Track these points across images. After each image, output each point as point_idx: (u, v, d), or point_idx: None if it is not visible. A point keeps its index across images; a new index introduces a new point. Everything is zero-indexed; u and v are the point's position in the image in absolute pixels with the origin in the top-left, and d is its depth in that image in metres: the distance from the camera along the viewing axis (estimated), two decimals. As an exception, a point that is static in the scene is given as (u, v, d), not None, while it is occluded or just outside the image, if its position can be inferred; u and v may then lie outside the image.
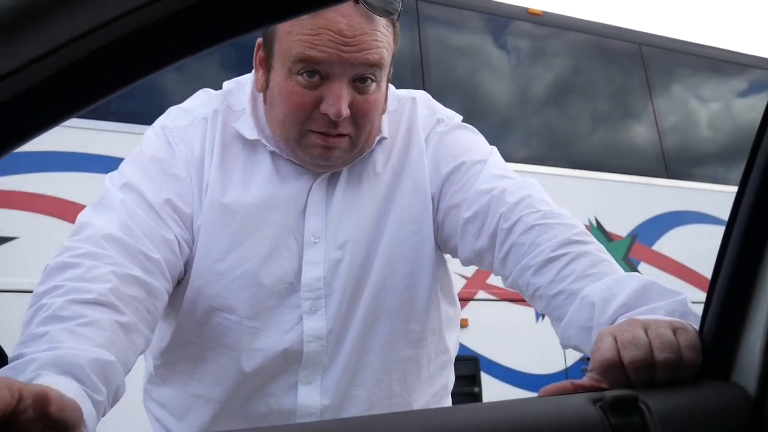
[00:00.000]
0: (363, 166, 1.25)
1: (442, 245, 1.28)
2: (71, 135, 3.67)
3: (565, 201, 1.28)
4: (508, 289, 1.21)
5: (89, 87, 0.52)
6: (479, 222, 1.20)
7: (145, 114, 3.69)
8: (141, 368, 1.20)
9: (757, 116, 0.79)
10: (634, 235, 5.38)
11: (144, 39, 0.50)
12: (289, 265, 1.21)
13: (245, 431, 0.70)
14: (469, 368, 4.47)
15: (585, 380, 0.83)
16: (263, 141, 1.22)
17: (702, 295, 0.84)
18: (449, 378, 1.41)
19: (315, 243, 1.22)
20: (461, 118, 1.35)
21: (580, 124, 5.77)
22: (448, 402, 1.42)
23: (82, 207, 1.16)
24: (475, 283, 4.54)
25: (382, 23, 1.14)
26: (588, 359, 0.87)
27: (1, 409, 0.68)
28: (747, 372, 0.77)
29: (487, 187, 1.20)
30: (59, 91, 0.52)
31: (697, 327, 0.84)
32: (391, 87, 1.33)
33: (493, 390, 4.52)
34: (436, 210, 1.26)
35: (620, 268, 1.09)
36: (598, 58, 5.85)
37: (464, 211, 1.21)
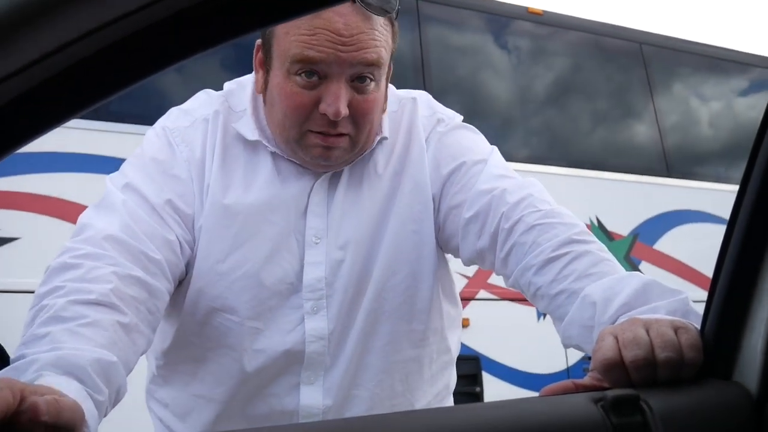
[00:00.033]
0: (364, 166, 1.25)
1: (444, 245, 1.28)
2: (72, 135, 3.68)
3: (566, 200, 1.28)
4: (510, 288, 1.21)
5: (91, 88, 0.52)
6: (480, 222, 1.20)
7: (147, 114, 3.70)
8: (142, 368, 1.20)
9: (758, 115, 0.79)
10: (635, 235, 5.38)
11: (145, 40, 0.50)
12: (290, 266, 1.21)
13: (248, 431, 0.70)
14: (471, 367, 4.47)
15: (586, 380, 0.83)
16: (264, 142, 1.22)
17: (703, 294, 0.84)
18: (451, 378, 1.41)
19: (316, 243, 1.22)
20: (462, 118, 1.35)
21: (581, 124, 5.77)
22: (450, 402, 1.42)
23: (83, 207, 1.16)
24: (477, 282, 4.54)
25: (379, 22, 1.14)
26: (589, 358, 0.87)
27: (3, 410, 0.68)
28: (748, 371, 0.77)
29: (488, 187, 1.21)
30: (61, 92, 0.52)
31: (698, 326, 0.84)
32: (392, 87, 1.33)
33: (494, 389, 4.52)
34: (437, 210, 1.26)
35: (621, 267, 1.09)
36: (598, 58, 5.85)
37: (465, 211, 1.21)
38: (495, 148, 1.31)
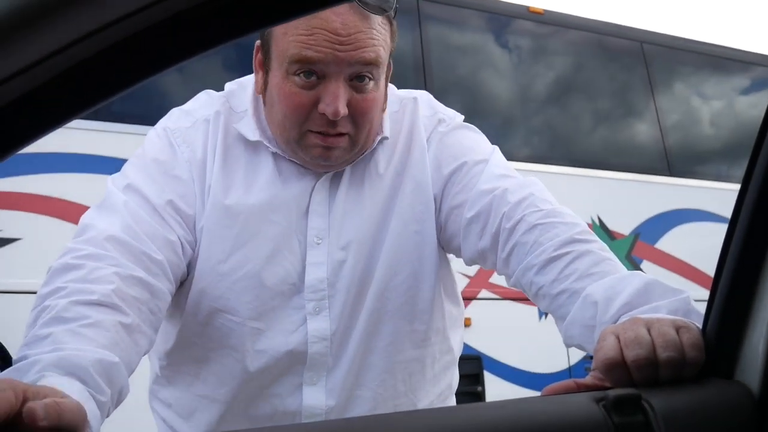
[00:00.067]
0: (365, 166, 1.25)
1: (445, 245, 1.28)
2: (74, 136, 3.68)
3: (568, 199, 1.28)
4: (511, 288, 1.21)
5: (92, 89, 0.52)
6: (482, 222, 1.20)
7: (148, 115, 3.70)
8: (144, 369, 1.20)
9: (760, 114, 0.79)
10: (636, 234, 5.38)
11: (147, 40, 0.51)
12: (292, 266, 1.21)
13: (251, 431, 0.70)
14: (472, 367, 4.47)
15: (588, 379, 0.83)
16: (265, 142, 1.22)
17: (705, 293, 0.84)
18: (454, 378, 1.41)
19: (318, 244, 1.22)
20: (463, 117, 1.35)
21: (582, 123, 5.76)
22: (452, 402, 1.42)
23: (85, 208, 1.16)
24: (478, 282, 4.54)
25: (377, 21, 1.14)
26: (591, 358, 0.87)
27: (6, 410, 0.68)
28: (750, 370, 0.77)
29: (489, 186, 1.20)
30: (62, 93, 0.52)
31: (700, 325, 0.84)
32: (393, 87, 1.33)
33: (496, 389, 4.52)
34: (438, 210, 1.26)
35: (623, 266, 1.09)
36: (599, 57, 5.85)
37: (467, 211, 1.21)
38: (496, 148, 1.31)
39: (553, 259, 1.10)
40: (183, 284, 1.21)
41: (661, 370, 0.79)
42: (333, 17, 1.09)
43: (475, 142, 1.31)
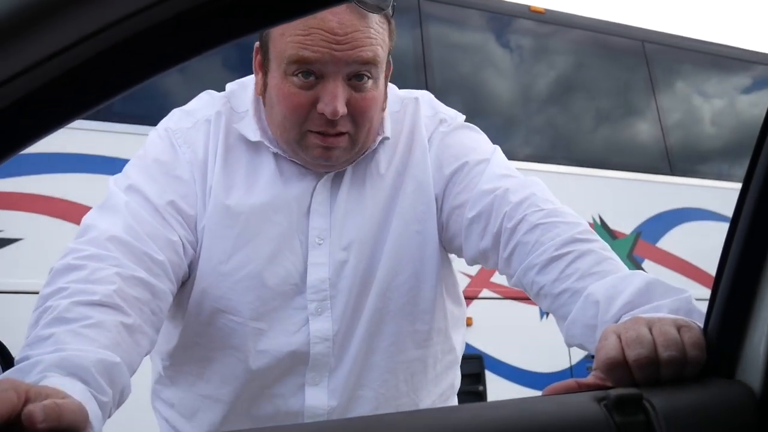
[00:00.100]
0: (366, 166, 1.25)
1: (447, 245, 1.28)
2: (75, 136, 3.68)
3: (569, 199, 1.28)
4: (513, 287, 1.21)
5: (94, 89, 0.52)
6: (483, 222, 1.20)
7: (149, 115, 3.70)
8: (145, 369, 1.20)
9: (761, 112, 0.79)
10: (638, 233, 5.38)
11: (148, 41, 0.51)
12: (293, 267, 1.21)
13: (253, 431, 0.70)
14: (474, 366, 4.47)
15: (589, 379, 0.83)
16: (266, 143, 1.22)
17: (706, 292, 0.84)
18: (456, 377, 1.41)
19: (319, 244, 1.22)
20: (464, 117, 1.35)
21: (584, 122, 5.76)
22: (454, 401, 1.42)
23: (86, 208, 1.16)
24: (480, 281, 4.54)
25: (375, 20, 1.13)
26: (592, 357, 0.87)
27: (8, 410, 0.68)
28: (751, 370, 0.77)
29: (491, 186, 1.20)
30: (64, 93, 0.52)
31: (701, 325, 0.84)
32: (394, 87, 1.33)
33: (497, 388, 4.52)
34: (440, 210, 1.26)
35: (624, 266, 1.09)
36: (600, 56, 5.85)
37: (468, 211, 1.21)
38: (497, 148, 1.31)
39: (554, 259, 1.10)
40: (185, 285, 1.21)
41: (662, 370, 0.79)
42: (330, 17, 1.09)
43: (477, 142, 1.31)
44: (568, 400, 0.77)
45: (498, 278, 4.16)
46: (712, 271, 0.82)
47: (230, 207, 1.19)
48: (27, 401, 0.70)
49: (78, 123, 0.62)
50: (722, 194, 5.53)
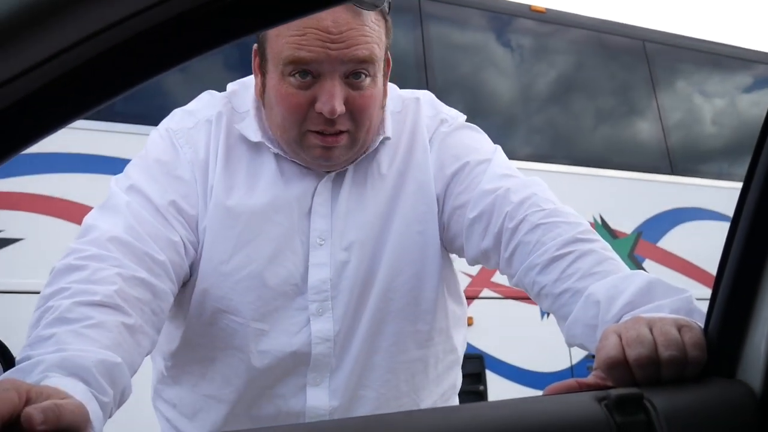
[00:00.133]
0: (368, 166, 1.25)
1: (448, 245, 1.28)
2: (76, 136, 3.68)
3: (570, 198, 1.28)
4: (514, 287, 1.21)
5: (95, 89, 0.52)
6: (484, 222, 1.20)
7: (150, 115, 3.70)
8: (146, 369, 1.20)
9: (762, 112, 0.79)
10: (638, 232, 5.38)
11: (149, 40, 0.51)
12: (294, 267, 1.21)
13: (255, 430, 0.70)
14: (475, 366, 4.47)
15: (590, 378, 0.83)
16: (267, 143, 1.22)
17: (707, 292, 0.84)
18: (457, 377, 1.41)
19: (321, 245, 1.22)
20: (465, 117, 1.35)
21: (584, 121, 5.76)
22: (455, 401, 1.42)
23: (87, 208, 1.16)
24: (480, 281, 4.54)
25: (370, 17, 1.13)
26: (593, 357, 0.87)
27: (9, 411, 0.68)
28: (752, 370, 0.77)
29: (492, 186, 1.20)
30: (65, 93, 0.52)
31: (702, 325, 0.84)
32: (395, 87, 1.33)
33: (498, 388, 4.52)
34: (441, 210, 1.26)
35: (626, 266, 1.09)
36: (601, 55, 5.84)
37: (469, 211, 1.21)
38: (498, 148, 1.31)
39: (555, 259, 1.10)
40: (186, 285, 1.21)
41: (663, 370, 0.79)
42: (324, 15, 1.09)
43: (478, 141, 1.31)
44: (568, 399, 0.77)
45: (499, 278, 4.16)
46: (713, 270, 0.82)
47: (231, 207, 1.19)
48: (28, 401, 0.70)
49: (79, 123, 0.62)
50: (723, 194, 5.52)
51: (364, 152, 1.24)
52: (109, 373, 0.88)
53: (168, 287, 1.10)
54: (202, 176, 1.20)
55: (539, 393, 0.85)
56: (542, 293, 1.11)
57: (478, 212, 1.20)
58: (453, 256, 1.33)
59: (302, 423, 1.20)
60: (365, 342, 1.24)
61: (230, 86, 1.30)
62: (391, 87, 1.32)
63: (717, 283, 0.81)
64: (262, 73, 1.19)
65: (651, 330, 0.81)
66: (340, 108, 1.12)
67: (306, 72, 1.12)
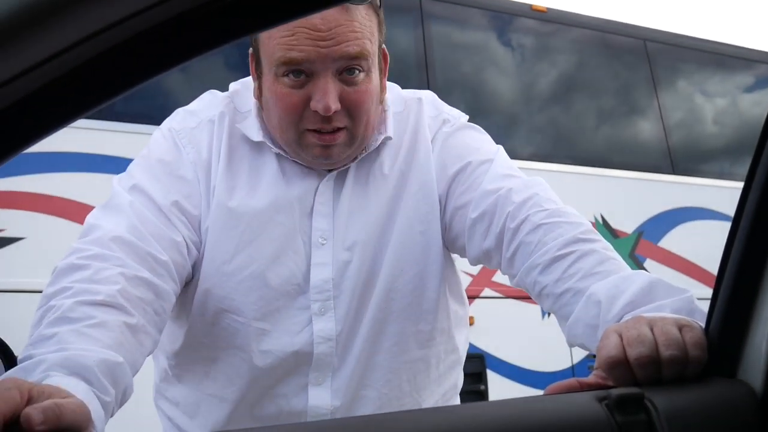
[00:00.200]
0: (370, 166, 1.25)
1: (450, 245, 1.28)
2: (77, 135, 3.68)
3: (571, 198, 1.28)
4: (515, 287, 1.21)
5: (95, 89, 0.52)
6: (486, 222, 1.20)
7: (151, 114, 3.71)
8: (146, 369, 1.20)
9: (763, 112, 0.79)
10: (640, 232, 5.37)
11: (150, 40, 0.51)
12: (296, 267, 1.21)
13: (256, 429, 0.70)
14: (475, 366, 4.47)
15: (591, 378, 0.83)
16: (268, 143, 1.22)
17: (709, 292, 0.84)
18: (459, 377, 1.41)
19: (323, 244, 1.22)
20: (467, 117, 1.35)
21: (586, 121, 5.76)
22: (457, 401, 1.42)
23: (89, 207, 1.16)
24: (481, 280, 4.54)
25: (360, 13, 1.13)
26: (594, 357, 0.87)
27: (11, 409, 0.68)
28: (753, 369, 0.77)
29: (494, 186, 1.20)
30: (65, 93, 0.52)
31: (703, 324, 0.84)
32: (397, 87, 1.33)
33: (498, 387, 4.52)
34: (443, 211, 1.26)
35: (627, 265, 1.09)
36: (602, 55, 5.84)
37: (471, 211, 1.21)
38: (500, 148, 1.31)
39: (557, 259, 1.10)
40: (189, 285, 1.21)
41: (663, 369, 0.79)
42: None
43: (480, 142, 1.31)
44: (569, 399, 0.77)
45: (500, 277, 4.16)
46: (714, 270, 0.82)
47: (233, 208, 1.19)
48: (30, 400, 0.71)
49: (80, 122, 0.62)
50: (724, 193, 5.52)
51: (364, 150, 1.24)
52: (111, 373, 0.88)
53: (170, 287, 1.10)
54: (204, 176, 1.21)
55: (540, 392, 0.85)
56: (543, 293, 1.11)
57: (480, 212, 1.20)
58: (455, 255, 1.33)
59: (304, 422, 1.20)
60: (367, 342, 1.24)
61: (232, 86, 1.30)
62: (393, 87, 1.32)
63: (718, 283, 0.81)
64: (258, 75, 1.20)
65: (652, 329, 0.81)
66: (334, 105, 1.12)
67: (299, 71, 1.12)
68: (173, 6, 0.49)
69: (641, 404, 0.73)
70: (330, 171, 1.23)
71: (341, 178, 1.24)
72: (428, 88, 1.41)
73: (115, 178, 1.20)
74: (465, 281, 1.44)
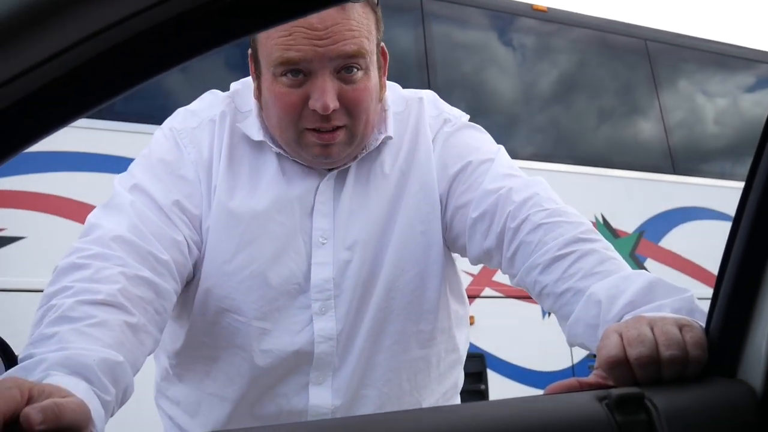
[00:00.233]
0: (370, 166, 1.25)
1: (451, 245, 1.28)
2: (78, 135, 3.69)
3: (572, 198, 1.28)
4: (515, 287, 1.21)
5: (96, 89, 0.52)
6: (487, 221, 1.20)
7: (151, 114, 3.71)
8: (147, 368, 1.20)
9: (764, 112, 0.79)
10: (640, 232, 5.38)
11: (150, 41, 0.51)
12: (297, 266, 1.21)
13: (257, 429, 0.70)
14: (476, 365, 4.47)
15: (591, 378, 0.83)
16: (269, 142, 1.22)
17: (709, 292, 0.84)
18: (459, 376, 1.41)
19: (323, 244, 1.22)
20: (468, 117, 1.35)
21: (586, 121, 5.76)
22: (457, 400, 1.42)
23: (89, 207, 1.17)
24: (482, 280, 4.54)
25: (357, 11, 1.13)
26: (594, 356, 0.87)
27: (11, 408, 0.69)
28: (753, 369, 0.77)
29: (495, 186, 1.20)
30: (65, 93, 0.52)
31: (703, 324, 0.84)
32: (398, 87, 1.33)
33: (499, 387, 4.52)
34: (444, 210, 1.26)
35: (627, 265, 1.09)
36: (603, 55, 5.84)
37: (472, 210, 1.21)
38: (501, 147, 1.31)
39: (557, 258, 1.10)
40: (190, 284, 1.21)
41: (664, 369, 0.79)
42: None
43: (481, 141, 1.31)
44: (569, 399, 0.77)
45: (500, 277, 4.16)
46: (715, 270, 0.82)
47: (234, 207, 1.20)
48: (30, 399, 0.71)
49: (81, 121, 0.62)
50: (725, 193, 5.53)
51: (365, 149, 1.24)
52: (112, 372, 0.88)
53: (171, 287, 1.10)
54: (205, 176, 1.21)
55: (540, 392, 0.85)
56: (544, 293, 1.11)
57: (481, 212, 1.20)
58: (455, 255, 1.33)
59: (304, 421, 1.20)
60: (368, 341, 1.24)
61: (233, 86, 1.31)
62: (394, 87, 1.32)
63: (718, 283, 0.81)
64: (257, 76, 1.20)
65: (652, 329, 0.81)
66: (332, 103, 1.12)
67: (297, 71, 1.12)
68: (173, 6, 0.49)
69: (641, 404, 0.73)
70: (330, 170, 1.23)
71: (342, 178, 1.24)
72: (429, 88, 1.41)
73: (116, 178, 1.20)
74: (465, 281, 1.44)
